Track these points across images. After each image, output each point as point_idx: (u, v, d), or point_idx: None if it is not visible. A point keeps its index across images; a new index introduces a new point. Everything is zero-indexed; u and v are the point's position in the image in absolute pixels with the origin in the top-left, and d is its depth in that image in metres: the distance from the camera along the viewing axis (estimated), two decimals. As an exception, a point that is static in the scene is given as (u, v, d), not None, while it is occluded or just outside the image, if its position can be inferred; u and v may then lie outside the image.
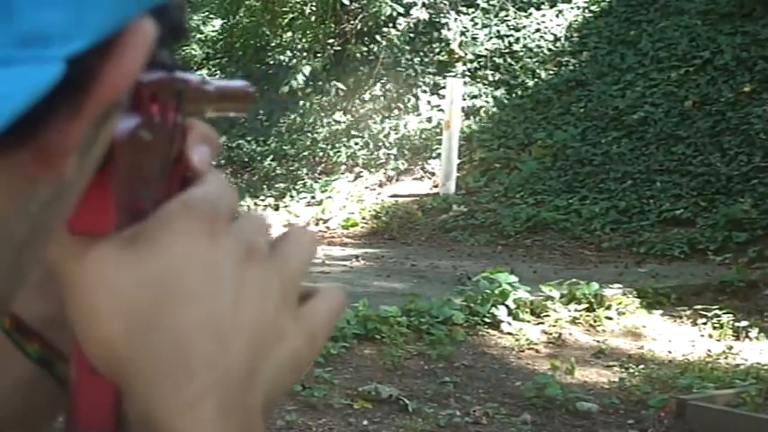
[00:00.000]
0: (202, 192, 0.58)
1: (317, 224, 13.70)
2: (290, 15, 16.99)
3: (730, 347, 8.11)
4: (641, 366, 7.63)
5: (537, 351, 7.96)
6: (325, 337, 0.62)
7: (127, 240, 0.55)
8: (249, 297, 0.57)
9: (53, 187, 0.45)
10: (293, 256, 0.61)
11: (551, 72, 15.23)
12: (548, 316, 8.48)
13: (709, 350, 8.11)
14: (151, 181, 0.58)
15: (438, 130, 14.69)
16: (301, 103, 16.28)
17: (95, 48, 0.42)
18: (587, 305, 8.70)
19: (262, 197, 14.83)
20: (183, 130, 0.61)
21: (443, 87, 14.59)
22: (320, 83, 16.48)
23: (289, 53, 16.69)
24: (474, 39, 15.96)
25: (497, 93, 15.30)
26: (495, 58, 15.67)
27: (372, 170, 15.05)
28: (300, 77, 16.06)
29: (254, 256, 0.58)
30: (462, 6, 16.36)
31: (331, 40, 16.73)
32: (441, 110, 14.93)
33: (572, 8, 15.90)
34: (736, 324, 8.52)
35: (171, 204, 0.57)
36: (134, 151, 0.55)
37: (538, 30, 15.82)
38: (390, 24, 16.28)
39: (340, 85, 16.36)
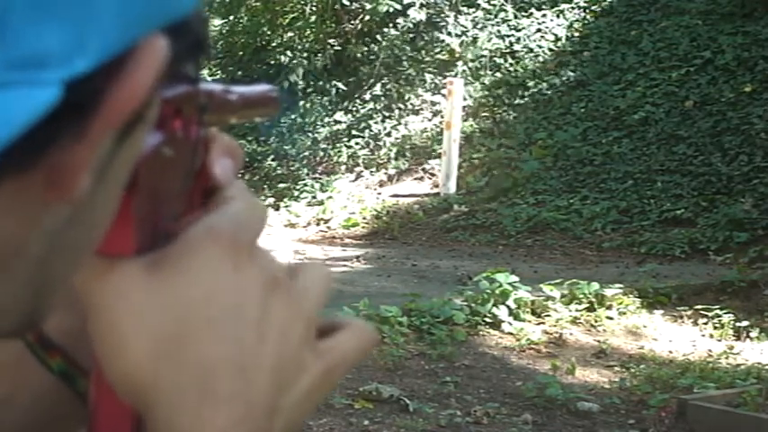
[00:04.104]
0: (228, 216, 0.57)
1: (317, 224, 13.70)
2: (291, 15, 16.98)
3: (731, 347, 8.11)
4: (642, 366, 7.63)
5: (538, 351, 7.95)
6: (343, 372, 0.61)
7: (152, 264, 0.55)
8: (272, 329, 0.56)
9: (70, 205, 0.44)
10: (311, 289, 0.60)
11: (552, 72, 15.23)
12: (548, 316, 8.48)
13: (709, 350, 8.11)
14: (173, 197, 0.58)
15: (439, 130, 14.69)
16: (302, 102, 16.28)
17: (101, 68, 0.41)
18: (588, 305, 8.70)
19: (262, 197, 14.81)
20: (205, 142, 0.60)
21: (444, 87, 14.59)
22: (321, 83, 16.48)
23: (289, 53, 16.68)
24: (475, 39, 15.96)
25: (498, 93, 15.30)
26: (495, 58, 15.67)
27: (373, 170, 15.05)
28: (297, 75, 16.05)
29: (276, 287, 0.57)
30: (463, 6, 16.35)
31: (331, 40, 16.72)
32: (441, 110, 14.93)
33: (573, 8, 15.89)
34: (737, 324, 8.52)
35: (196, 228, 0.56)
36: (156, 169, 0.55)
37: (539, 30, 15.82)
38: (391, 24, 16.28)
39: (340, 85, 16.36)
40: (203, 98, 0.59)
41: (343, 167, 15.28)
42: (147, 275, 0.54)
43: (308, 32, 16.87)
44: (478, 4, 16.29)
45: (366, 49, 16.54)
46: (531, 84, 15.20)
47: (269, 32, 17.10)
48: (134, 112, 0.43)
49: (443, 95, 14.61)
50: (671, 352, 8.14)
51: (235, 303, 0.55)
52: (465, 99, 14.51)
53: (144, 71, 0.43)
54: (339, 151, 15.46)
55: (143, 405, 0.55)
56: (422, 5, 16.10)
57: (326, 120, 16.12)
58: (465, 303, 8.29)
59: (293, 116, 15.95)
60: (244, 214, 0.58)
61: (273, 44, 17.07)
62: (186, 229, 0.56)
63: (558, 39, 15.63)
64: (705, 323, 8.69)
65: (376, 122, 15.74)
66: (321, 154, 15.64)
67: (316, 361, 0.59)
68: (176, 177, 0.58)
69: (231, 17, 17.75)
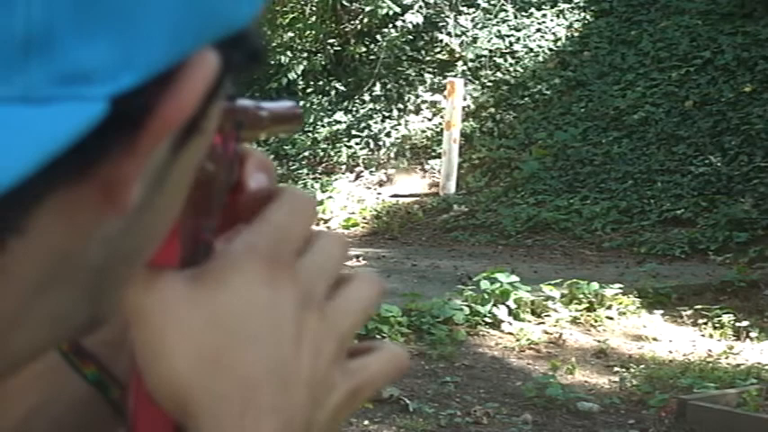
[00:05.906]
0: (266, 232, 0.58)
1: (317, 224, 13.68)
2: (291, 15, 16.99)
3: (731, 347, 8.11)
4: (642, 366, 7.63)
5: (537, 351, 7.96)
6: (370, 394, 0.62)
7: (194, 278, 0.56)
8: (307, 346, 0.57)
9: (123, 216, 0.44)
10: (349, 307, 0.60)
11: (552, 72, 15.23)
12: (548, 316, 8.48)
13: (709, 350, 8.10)
14: (212, 211, 0.59)
15: (439, 130, 14.69)
16: (301, 102, 16.27)
17: (150, 82, 0.41)
18: (588, 305, 8.70)
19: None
20: (240, 157, 0.61)
21: (444, 87, 14.59)
22: (320, 83, 16.48)
23: (289, 53, 16.69)
24: (475, 39, 15.96)
25: (498, 93, 15.30)
26: (495, 58, 15.67)
27: (373, 170, 15.05)
28: (295, 75, 16.05)
29: (312, 304, 0.58)
30: (463, 6, 16.36)
31: (331, 40, 16.73)
32: (441, 109, 14.93)
33: (573, 8, 15.90)
34: (737, 324, 8.52)
35: (236, 244, 0.57)
36: (199, 184, 0.56)
37: (539, 30, 15.82)
38: (390, 24, 16.28)
39: (340, 86, 16.36)
40: (240, 114, 0.60)
41: (343, 167, 15.29)
42: (190, 289, 0.55)
43: (308, 32, 16.87)
44: (478, 4, 16.30)
45: (366, 49, 16.54)
46: (531, 84, 15.21)
47: (269, 32, 17.09)
48: (187, 123, 0.44)
49: (443, 95, 14.62)
50: (671, 352, 8.13)
51: (272, 318, 0.56)
52: (465, 99, 14.51)
53: (193, 85, 0.43)
54: (339, 151, 15.47)
55: (185, 416, 0.56)
56: (421, 7, 16.10)
57: (326, 119, 16.13)
58: (465, 303, 8.29)
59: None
60: (282, 229, 0.58)
61: (273, 44, 17.07)
62: (226, 243, 0.58)
63: (557, 39, 15.63)
64: (705, 323, 8.69)
65: (376, 122, 15.74)
66: (321, 154, 15.64)
67: (344, 380, 0.59)
68: (215, 192, 0.59)
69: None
